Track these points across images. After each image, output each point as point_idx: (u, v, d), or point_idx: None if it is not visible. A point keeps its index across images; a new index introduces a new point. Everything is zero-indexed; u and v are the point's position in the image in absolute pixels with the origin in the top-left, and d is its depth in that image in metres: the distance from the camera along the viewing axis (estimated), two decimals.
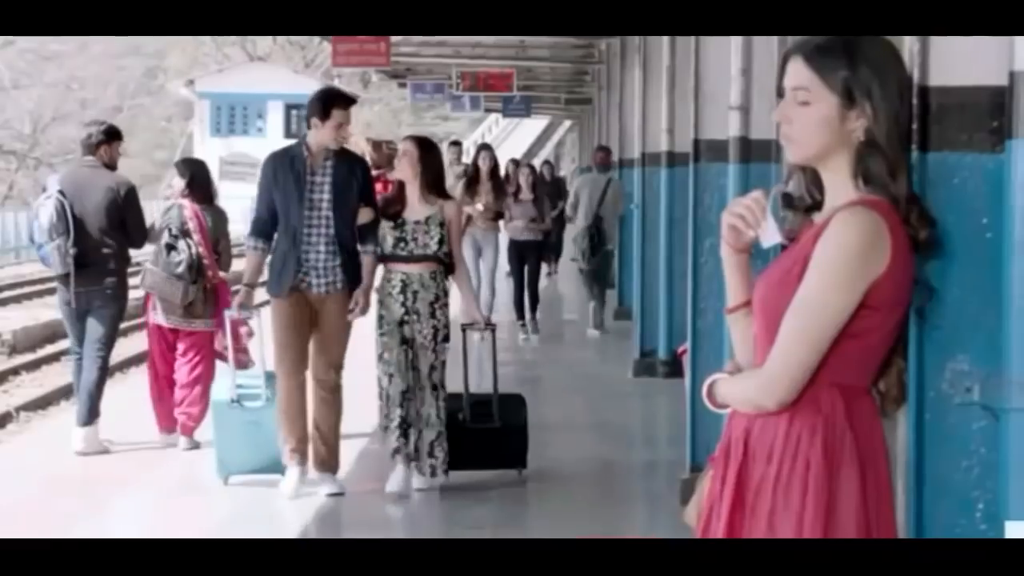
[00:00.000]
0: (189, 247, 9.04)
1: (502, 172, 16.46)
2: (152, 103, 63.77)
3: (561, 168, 49.43)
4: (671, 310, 11.62)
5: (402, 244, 7.97)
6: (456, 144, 19.71)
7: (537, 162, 28.28)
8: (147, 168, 55.10)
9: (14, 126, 57.29)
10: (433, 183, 8.08)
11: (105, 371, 9.30)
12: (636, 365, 12.53)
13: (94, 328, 9.17)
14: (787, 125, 3.02)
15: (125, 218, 9.14)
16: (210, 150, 47.25)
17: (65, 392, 15.49)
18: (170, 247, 9.06)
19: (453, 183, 14.21)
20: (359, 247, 7.97)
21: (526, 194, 15.45)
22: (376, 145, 19.18)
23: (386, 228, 7.99)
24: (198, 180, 9.39)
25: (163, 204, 10.09)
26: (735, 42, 7.04)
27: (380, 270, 8.11)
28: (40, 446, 10.08)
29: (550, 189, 20.91)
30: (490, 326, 8.57)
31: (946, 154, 3.15)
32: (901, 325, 2.98)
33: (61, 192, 9.09)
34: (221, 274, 9.30)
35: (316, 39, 39.23)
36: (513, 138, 52.78)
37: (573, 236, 16.03)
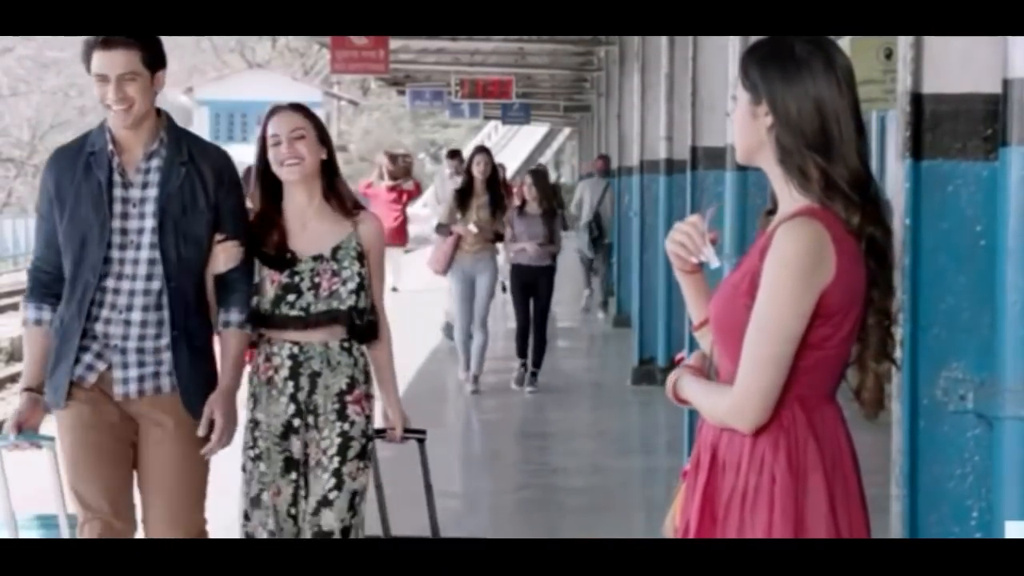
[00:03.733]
0: None
1: (516, 186, 13.72)
2: None
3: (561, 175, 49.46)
4: (670, 317, 11.59)
5: (292, 296, 4.62)
6: (455, 154, 16.82)
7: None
8: None
9: (12, 133, 57.27)
10: (336, 184, 4.74)
11: None
12: (635, 372, 12.50)
13: None
14: None
15: None
16: None
17: None
18: None
19: (452, 199, 11.68)
20: (221, 315, 4.55)
21: (533, 207, 11.97)
22: (392, 157, 19.11)
23: (264, 271, 4.65)
24: None
25: None
26: (732, 49, 7.05)
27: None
28: (36, 453, 10.05)
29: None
30: (416, 435, 5.02)
31: (940, 162, 3.16)
32: (856, 331, 2.95)
33: None
34: None
35: (315, 46, 39.19)
36: (512, 145, 52.82)
37: (576, 230, 18.91)
